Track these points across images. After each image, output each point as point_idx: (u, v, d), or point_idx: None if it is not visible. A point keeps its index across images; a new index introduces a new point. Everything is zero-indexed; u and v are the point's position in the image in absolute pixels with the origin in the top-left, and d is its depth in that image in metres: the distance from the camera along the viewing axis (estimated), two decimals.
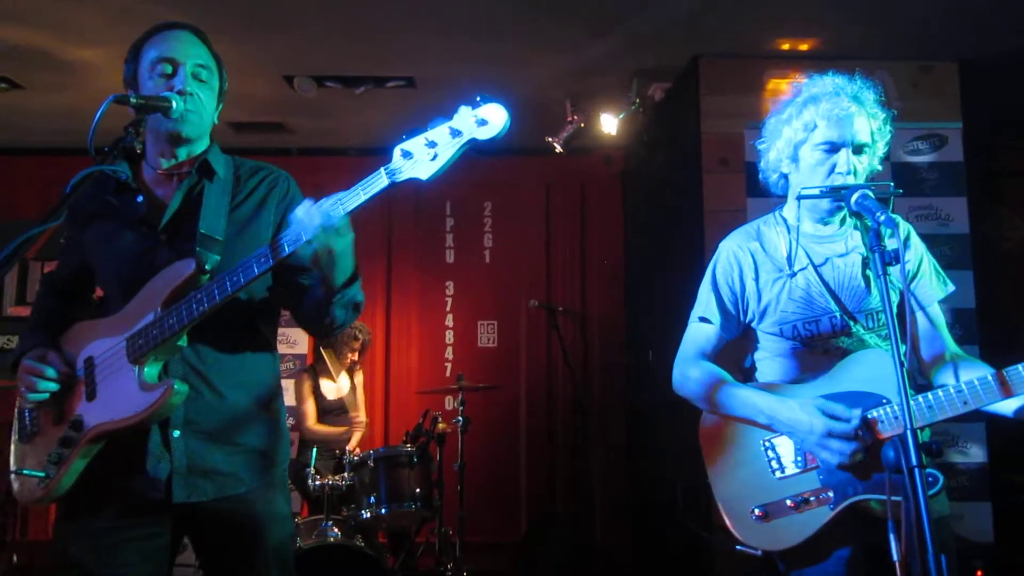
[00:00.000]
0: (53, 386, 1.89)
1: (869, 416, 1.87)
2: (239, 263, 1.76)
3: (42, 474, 1.85)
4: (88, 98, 4.85)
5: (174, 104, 1.83)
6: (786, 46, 4.44)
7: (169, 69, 1.90)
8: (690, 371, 2.14)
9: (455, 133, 1.62)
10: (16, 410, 1.99)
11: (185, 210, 1.93)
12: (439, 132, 1.63)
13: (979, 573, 3.87)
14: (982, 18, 4.09)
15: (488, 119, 1.61)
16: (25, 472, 1.88)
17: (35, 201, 5.85)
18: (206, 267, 1.84)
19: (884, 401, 1.88)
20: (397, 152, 1.65)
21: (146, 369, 1.81)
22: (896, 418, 1.84)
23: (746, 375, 2.20)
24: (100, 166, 1.64)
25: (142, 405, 1.79)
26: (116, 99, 1.72)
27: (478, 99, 1.62)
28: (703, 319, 2.17)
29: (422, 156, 1.64)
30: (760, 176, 2.24)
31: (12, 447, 1.97)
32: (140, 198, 1.94)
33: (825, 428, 1.85)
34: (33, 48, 4.41)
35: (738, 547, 1.99)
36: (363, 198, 1.68)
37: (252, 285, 1.80)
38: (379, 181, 1.66)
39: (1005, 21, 4.11)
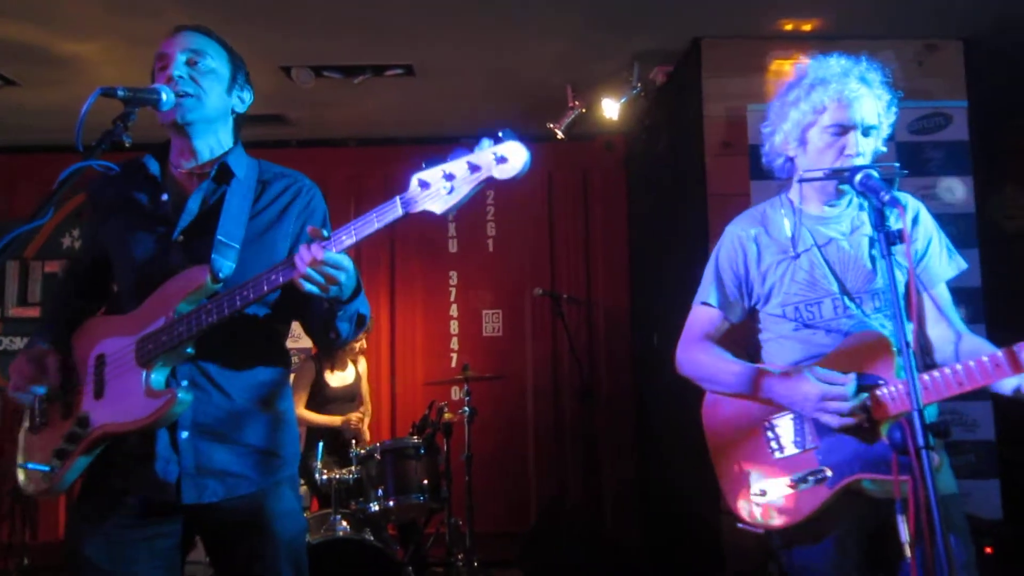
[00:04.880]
0: (39, 390, 1.91)
1: (879, 393, 1.87)
2: (250, 279, 1.77)
3: (47, 468, 1.88)
4: (84, 93, 4.77)
5: (163, 96, 1.83)
6: (789, 26, 4.39)
7: (164, 63, 1.92)
8: (693, 352, 2.18)
9: (473, 168, 1.60)
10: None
11: (205, 213, 1.94)
12: (458, 165, 1.61)
13: (988, 550, 3.84)
14: None
15: (508, 156, 1.58)
16: (30, 466, 1.92)
17: (33, 199, 5.82)
18: (219, 275, 1.85)
19: (881, 381, 1.88)
20: (414, 181, 1.64)
21: (153, 374, 1.83)
22: (894, 398, 1.85)
23: (752, 357, 2.20)
24: (89, 161, 1.63)
25: (146, 411, 1.81)
26: (103, 92, 1.71)
27: (500, 134, 1.60)
28: (706, 303, 2.19)
29: (439, 188, 1.62)
30: (764, 160, 2.24)
31: (21, 437, 2.00)
32: (165, 196, 1.95)
33: (820, 392, 1.87)
34: (26, 43, 4.38)
35: (739, 524, 2.06)
36: (376, 226, 1.68)
37: None
38: (393, 210, 1.66)
39: None
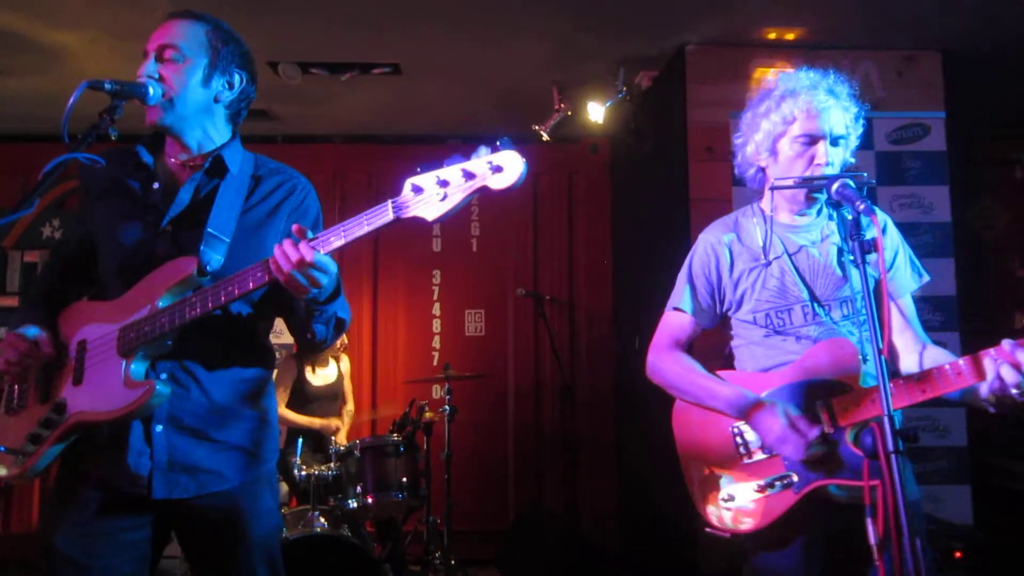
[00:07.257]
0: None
1: (833, 407, 1.92)
2: (236, 274, 1.74)
3: (18, 452, 1.85)
4: (67, 82, 4.71)
5: (150, 90, 1.82)
6: (772, 35, 4.44)
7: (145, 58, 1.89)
8: (663, 360, 2.21)
9: (468, 176, 1.57)
10: (6, 383, 1.98)
11: (196, 204, 1.91)
12: (453, 172, 1.57)
13: (958, 555, 3.90)
14: (966, 8, 4.10)
15: (504, 166, 1.55)
16: (1, 449, 1.88)
17: (13, 189, 5.76)
18: (207, 268, 1.82)
19: (847, 389, 1.92)
20: (407, 185, 1.60)
21: (133, 365, 1.80)
22: (859, 405, 1.88)
23: (726, 363, 2.24)
24: (75, 154, 1.62)
25: (122, 402, 1.78)
26: (90, 85, 1.70)
27: (498, 143, 1.56)
28: (678, 308, 2.23)
29: (432, 195, 1.58)
30: (736, 170, 2.29)
31: None
32: (157, 185, 1.93)
33: (782, 433, 1.92)
34: (8, 31, 4.34)
35: (707, 529, 2.07)
36: (367, 229, 1.64)
37: None
38: (384, 215, 1.63)
39: (989, 11, 4.12)
